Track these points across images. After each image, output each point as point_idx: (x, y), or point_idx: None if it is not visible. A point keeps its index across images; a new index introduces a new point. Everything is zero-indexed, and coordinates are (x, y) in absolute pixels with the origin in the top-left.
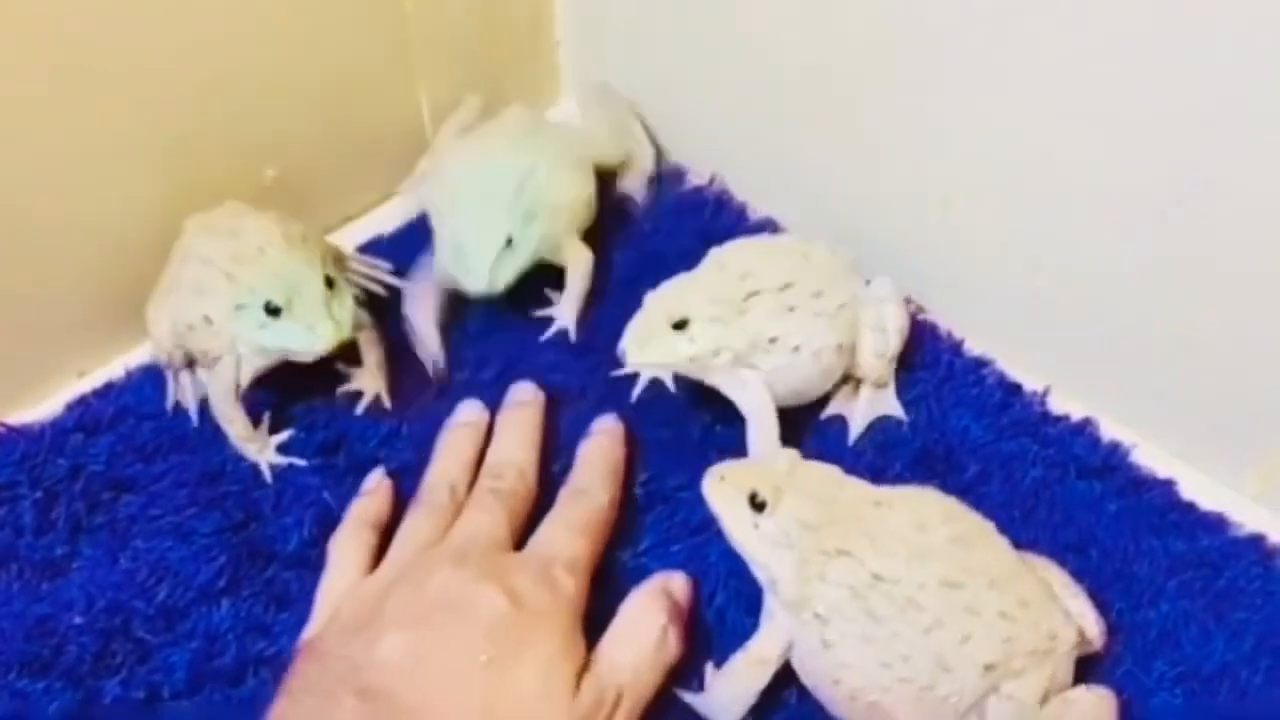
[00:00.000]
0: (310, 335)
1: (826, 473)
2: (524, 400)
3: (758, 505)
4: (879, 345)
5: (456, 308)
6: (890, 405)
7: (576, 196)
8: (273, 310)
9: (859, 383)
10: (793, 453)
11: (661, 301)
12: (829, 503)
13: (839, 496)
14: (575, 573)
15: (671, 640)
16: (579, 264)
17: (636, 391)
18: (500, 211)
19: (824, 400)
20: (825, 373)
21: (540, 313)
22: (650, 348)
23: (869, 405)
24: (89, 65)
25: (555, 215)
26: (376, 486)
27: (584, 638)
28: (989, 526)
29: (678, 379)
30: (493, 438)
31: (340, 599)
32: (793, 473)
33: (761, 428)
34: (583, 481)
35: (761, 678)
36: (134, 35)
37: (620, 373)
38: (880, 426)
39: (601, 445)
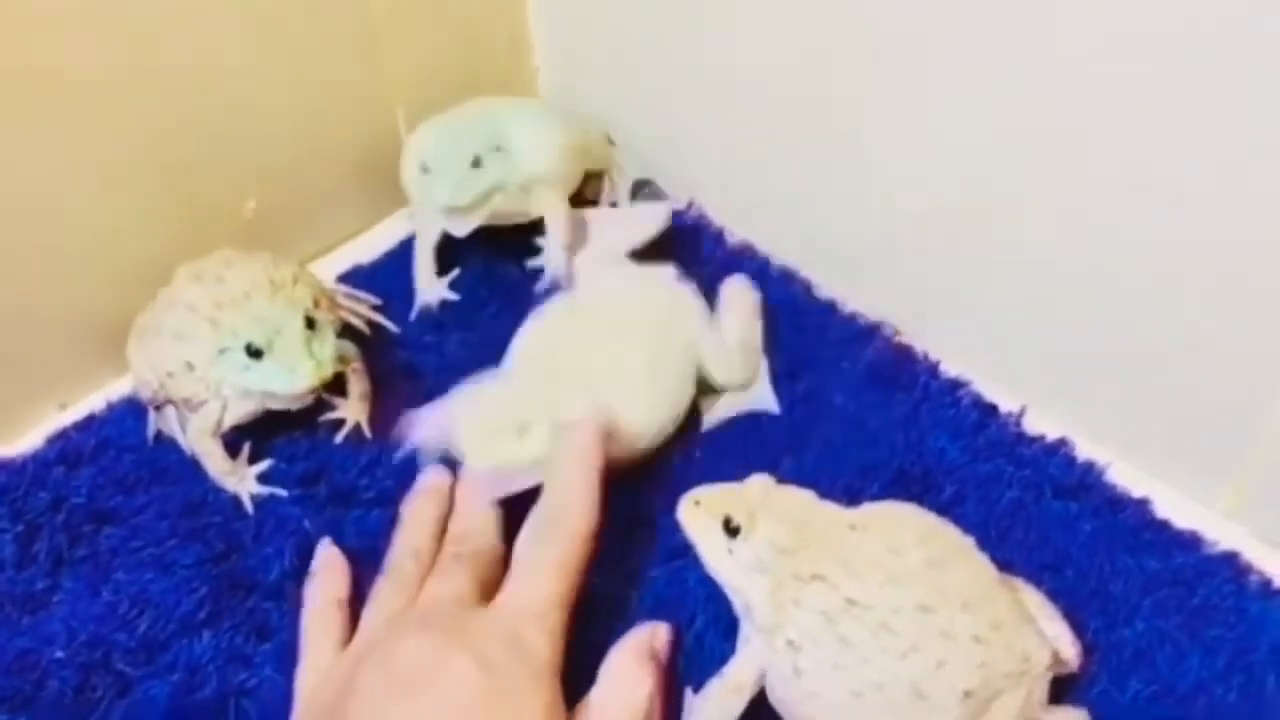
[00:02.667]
0: (292, 376)
1: (801, 497)
2: None
3: (732, 530)
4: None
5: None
6: (763, 400)
7: (553, 147)
8: (254, 352)
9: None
10: (767, 478)
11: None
12: (803, 527)
13: (813, 521)
14: (547, 628)
15: (657, 707)
16: (556, 214)
17: None
18: (471, 137)
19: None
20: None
21: (531, 263)
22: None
23: (729, 404)
24: (70, 98)
25: (526, 158)
26: (326, 563)
27: (563, 697)
28: (967, 543)
29: None
30: (455, 504)
31: (317, 678)
32: (767, 497)
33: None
34: (556, 507)
35: (739, 704)
36: (114, 68)
37: None
38: (856, 447)
39: (574, 457)
